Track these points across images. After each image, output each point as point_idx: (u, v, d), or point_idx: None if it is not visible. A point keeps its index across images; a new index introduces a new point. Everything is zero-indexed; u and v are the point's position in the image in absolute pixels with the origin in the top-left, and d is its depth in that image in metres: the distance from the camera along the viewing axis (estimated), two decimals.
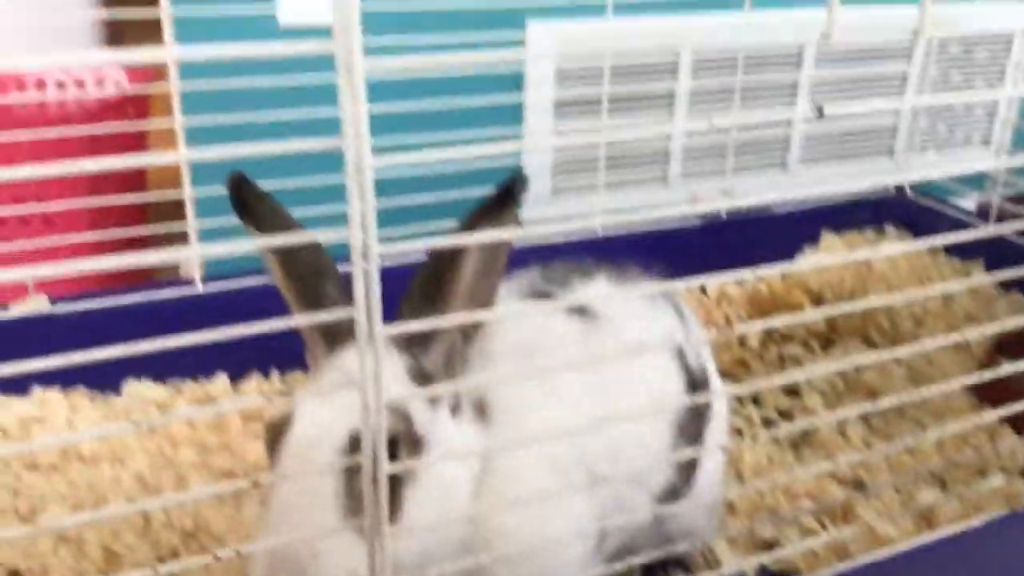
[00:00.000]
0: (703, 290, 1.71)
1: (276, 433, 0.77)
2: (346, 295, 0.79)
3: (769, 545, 1.22)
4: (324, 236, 0.65)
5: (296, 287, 0.85)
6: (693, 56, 1.94)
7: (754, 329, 1.55)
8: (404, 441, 0.74)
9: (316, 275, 0.85)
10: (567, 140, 1.80)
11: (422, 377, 0.79)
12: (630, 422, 0.91)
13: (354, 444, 0.71)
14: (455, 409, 0.82)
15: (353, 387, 0.68)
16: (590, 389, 0.90)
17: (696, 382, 1.04)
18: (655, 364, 1.00)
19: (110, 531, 1.16)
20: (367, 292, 0.62)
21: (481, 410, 0.85)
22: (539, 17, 1.84)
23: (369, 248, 0.61)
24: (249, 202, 0.86)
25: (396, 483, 0.73)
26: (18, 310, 1.38)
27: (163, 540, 1.15)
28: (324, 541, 0.72)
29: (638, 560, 0.89)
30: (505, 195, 0.77)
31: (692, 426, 1.00)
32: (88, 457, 1.30)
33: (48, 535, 1.17)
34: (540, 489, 0.84)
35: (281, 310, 1.38)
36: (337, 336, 0.82)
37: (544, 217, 1.85)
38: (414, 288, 0.81)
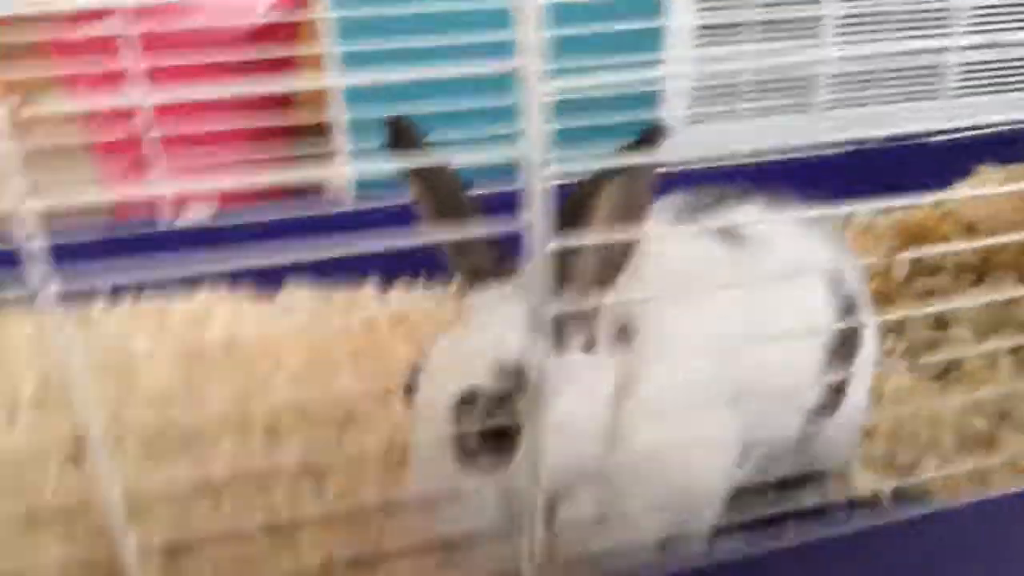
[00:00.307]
0: (848, 221, 1.67)
1: (413, 378, 0.83)
2: (488, 243, 0.86)
3: (907, 471, 1.21)
4: (497, 155, 0.66)
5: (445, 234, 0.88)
6: None
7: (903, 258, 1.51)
8: (516, 398, 0.76)
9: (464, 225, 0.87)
10: (711, 66, 1.78)
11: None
12: (781, 343, 0.91)
13: (467, 399, 0.77)
14: (589, 344, 0.84)
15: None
16: (740, 311, 0.91)
17: (849, 308, 1.04)
18: (807, 288, 1.01)
19: (272, 415, 1.25)
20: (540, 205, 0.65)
21: (624, 333, 0.87)
22: None
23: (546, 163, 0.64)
24: (407, 146, 0.87)
25: (517, 430, 0.77)
26: (186, 219, 1.48)
27: (319, 427, 1.23)
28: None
29: (778, 474, 0.90)
30: (644, 142, 0.77)
31: (843, 350, 1.01)
32: (249, 353, 1.39)
33: (215, 418, 1.27)
34: (681, 404, 0.86)
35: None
36: (477, 275, 0.86)
37: (685, 142, 1.84)
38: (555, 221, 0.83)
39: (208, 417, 1.27)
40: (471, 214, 0.87)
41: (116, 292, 1.48)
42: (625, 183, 0.78)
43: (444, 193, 0.87)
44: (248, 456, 1.20)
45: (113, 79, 1.51)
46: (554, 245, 0.68)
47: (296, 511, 1.12)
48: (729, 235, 0.97)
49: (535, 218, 0.66)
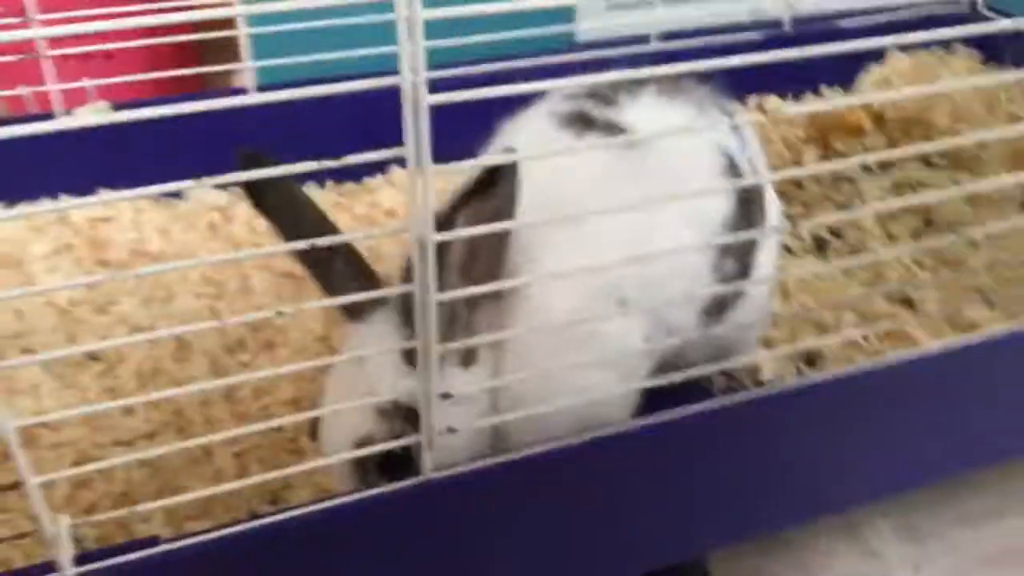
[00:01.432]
0: (761, 109, 1.67)
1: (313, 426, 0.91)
2: (356, 272, 0.88)
3: (810, 358, 1.25)
4: (374, 83, 0.64)
5: (311, 268, 0.89)
6: None
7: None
8: (403, 433, 0.82)
9: (329, 257, 0.88)
10: None
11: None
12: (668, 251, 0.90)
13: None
14: (468, 358, 0.86)
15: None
16: (627, 221, 0.88)
17: (749, 199, 1.02)
18: (700, 184, 0.99)
19: (180, 322, 1.23)
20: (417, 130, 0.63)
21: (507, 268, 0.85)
22: None
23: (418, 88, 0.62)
24: (260, 186, 0.88)
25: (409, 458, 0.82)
26: (83, 114, 1.41)
27: (230, 331, 1.22)
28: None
29: (684, 375, 0.91)
30: (491, 177, 0.77)
31: (741, 244, 1.00)
32: (156, 255, 1.36)
33: (122, 325, 1.24)
34: (553, 344, 0.87)
35: (333, 118, 1.41)
36: (353, 312, 0.88)
37: (599, 28, 1.80)
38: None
39: (116, 324, 1.24)
40: (338, 250, 0.88)
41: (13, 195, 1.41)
42: (471, 243, 0.79)
43: (308, 231, 0.85)
44: (157, 364, 1.18)
45: None
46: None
47: (208, 419, 1.11)
48: (617, 143, 0.94)
49: (410, 148, 0.64)
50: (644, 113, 1.00)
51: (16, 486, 0.68)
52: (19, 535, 0.75)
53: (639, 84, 1.03)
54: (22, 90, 1.35)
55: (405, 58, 0.61)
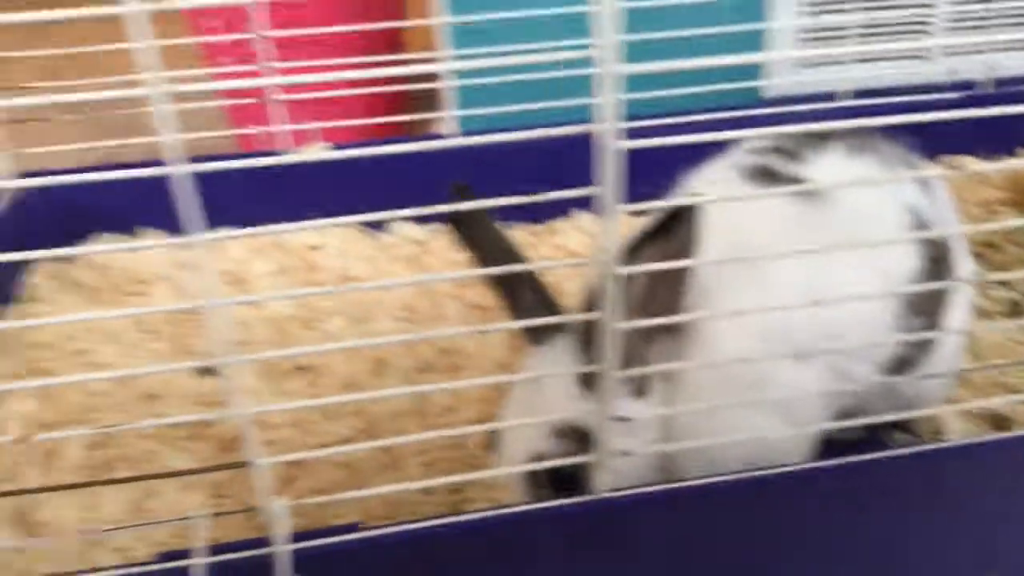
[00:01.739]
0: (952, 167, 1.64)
1: (492, 439, 0.98)
2: (542, 298, 0.96)
3: (999, 421, 1.21)
4: (575, 129, 0.71)
5: (501, 293, 0.98)
6: None
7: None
8: (576, 454, 0.87)
9: (519, 283, 0.97)
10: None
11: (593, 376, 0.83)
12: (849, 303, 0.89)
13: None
14: (640, 390, 0.91)
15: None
16: (807, 272, 0.90)
17: (940, 258, 1.01)
18: (885, 234, 0.99)
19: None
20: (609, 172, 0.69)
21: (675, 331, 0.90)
22: None
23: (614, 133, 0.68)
24: (463, 219, 0.99)
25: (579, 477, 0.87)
26: (308, 153, 1.57)
27: (421, 354, 1.32)
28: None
29: (859, 423, 0.92)
30: (675, 219, 0.81)
31: (928, 302, 0.99)
32: (360, 280, 1.49)
33: (328, 340, 1.37)
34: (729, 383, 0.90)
35: (526, 165, 1.51)
36: (537, 338, 0.96)
37: (788, 83, 1.82)
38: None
39: (322, 339, 1.37)
40: (527, 279, 0.96)
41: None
42: (653, 277, 0.83)
43: (502, 262, 0.96)
44: (356, 379, 1.29)
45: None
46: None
47: (400, 431, 1.21)
48: (800, 192, 0.96)
49: (603, 188, 0.70)
50: (830, 169, 1.01)
51: (243, 465, 0.78)
52: (241, 510, 0.86)
53: (826, 140, 1.04)
54: (257, 130, 1.52)
55: (606, 107, 0.67)
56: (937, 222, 1.05)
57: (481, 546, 0.86)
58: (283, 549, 0.79)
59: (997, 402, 1.16)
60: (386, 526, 0.82)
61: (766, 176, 1.01)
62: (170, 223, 0.63)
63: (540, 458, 0.88)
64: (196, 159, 1.47)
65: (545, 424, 0.89)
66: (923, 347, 1.02)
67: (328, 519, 1.07)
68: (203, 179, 0.66)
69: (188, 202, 0.64)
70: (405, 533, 0.81)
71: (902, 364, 1.00)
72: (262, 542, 0.80)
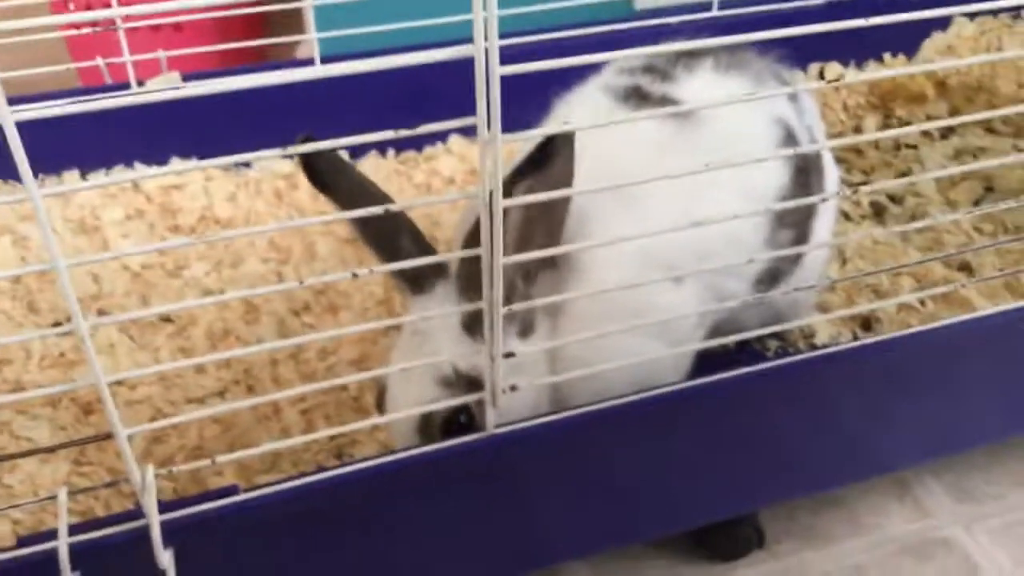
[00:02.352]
0: (821, 75, 1.66)
1: (380, 398, 0.91)
2: (418, 246, 0.89)
3: (867, 323, 1.26)
4: (446, 53, 0.65)
5: (374, 244, 0.91)
6: None
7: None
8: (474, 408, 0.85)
9: (393, 232, 0.90)
10: None
11: (477, 322, 0.82)
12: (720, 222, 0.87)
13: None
14: (526, 328, 0.88)
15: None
16: (680, 195, 0.90)
17: (806, 169, 1.03)
18: (756, 152, 0.97)
19: (248, 286, 1.28)
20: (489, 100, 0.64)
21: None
22: None
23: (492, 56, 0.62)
24: (319, 168, 0.91)
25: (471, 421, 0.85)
26: (155, 84, 1.45)
27: (296, 295, 1.26)
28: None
29: (737, 338, 0.93)
30: (548, 149, 0.78)
31: (796, 214, 1.01)
32: (225, 222, 1.41)
33: (193, 288, 1.29)
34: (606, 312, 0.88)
35: (396, 91, 1.44)
36: (415, 285, 0.90)
37: None
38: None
39: (187, 288, 1.30)
40: (400, 224, 0.90)
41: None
42: (527, 211, 0.80)
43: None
44: (227, 326, 1.23)
45: None
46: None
47: (276, 378, 1.16)
48: (672, 114, 0.95)
49: (481, 116, 0.65)
50: (700, 87, 1.01)
51: (106, 438, 0.72)
52: (106, 484, 0.80)
53: (696, 57, 1.03)
54: (99, 62, 1.39)
55: (479, 27, 0.62)
56: (805, 133, 1.06)
57: (368, 495, 0.83)
58: (155, 521, 0.74)
59: (863, 307, 1.20)
60: (266, 485, 0.78)
61: (638, 97, 1.00)
62: (10, 171, 0.55)
63: (430, 409, 0.85)
64: (35, 97, 1.35)
65: (432, 375, 0.86)
66: (792, 259, 1.04)
67: (205, 478, 1.02)
68: (43, 120, 0.58)
69: (20, 151, 0.56)
70: (287, 492, 0.77)
71: (773, 276, 1.02)
72: (133, 514, 0.75)
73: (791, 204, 0.94)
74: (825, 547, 1.06)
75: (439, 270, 0.89)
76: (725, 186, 0.93)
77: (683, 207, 0.89)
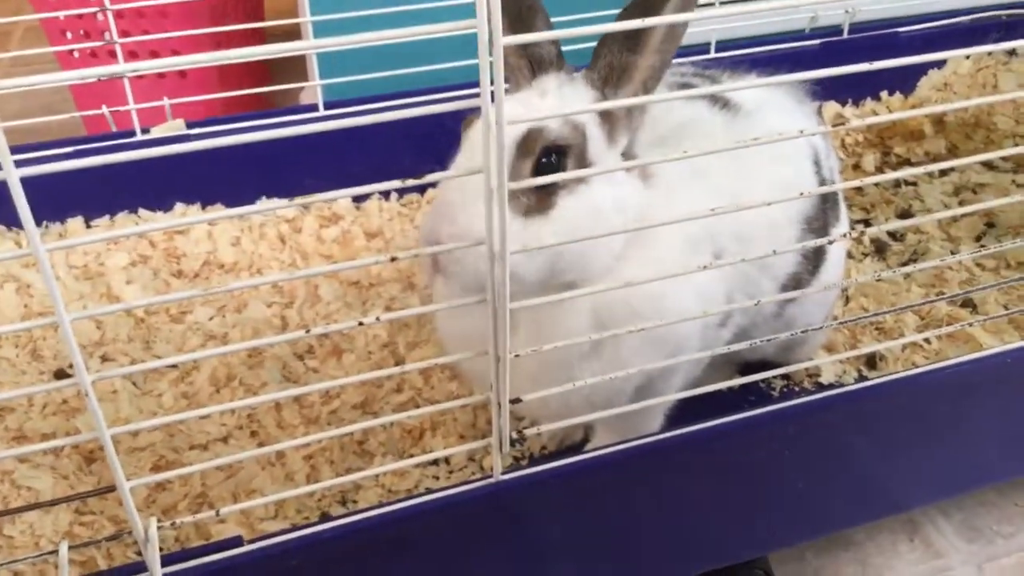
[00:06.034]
0: (819, 112, 1.67)
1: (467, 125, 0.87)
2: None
3: (871, 359, 1.25)
4: (455, 105, 0.65)
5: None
6: None
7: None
8: (573, 153, 0.83)
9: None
10: None
11: (605, 113, 0.86)
12: (764, 209, 0.87)
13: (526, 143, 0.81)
14: (629, 154, 0.90)
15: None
16: (730, 176, 0.95)
17: (828, 198, 1.07)
18: (794, 159, 1.05)
19: (252, 329, 1.28)
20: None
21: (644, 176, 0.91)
22: None
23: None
24: None
25: (554, 187, 0.82)
26: (161, 131, 1.46)
27: (299, 340, 1.26)
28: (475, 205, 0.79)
29: (748, 344, 0.92)
30: None
31: (819, 222, 1.04)
32: (228, 267, 1.41)
33: (196, 333, 1.29)
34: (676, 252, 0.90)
35: (397, 135, 1.45)
36: (541, 64, 0.92)
37: None
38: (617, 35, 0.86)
39: (190, 333, 1.30)
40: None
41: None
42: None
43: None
44: (230, 371, 1.23)
45: None
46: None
47: (280, 422, 1.15)
48: (723, 103, 1.02)
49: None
50: (748, 91, 1.07)
51: (109, 491, 0.72)
52: (108, 538, 0.79)
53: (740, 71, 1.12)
54: (104, 110, 1.41)
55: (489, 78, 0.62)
56: (826, 163, 1.11)
57: (373, 543, 0.82)
58: (159, 575, 0.73)
59: (869, 348, 1.20)
60: (270, 536, 0.78)
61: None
62: (14, 218, 0.55)
63: (538, 135, 0.82)
64: (39, 145, 1.35)
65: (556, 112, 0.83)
66: (813, 265, 1.06)
67: (208, 525, 1.01)
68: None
69: (25, 208, 0.56)
70: (291, 543, 0.77)
71: (796, 283, 1.04)
72: (135, 567, 0.75)
73: (823, 190, 1.04)
74: None
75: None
76: (766, 181, 0.97)
77: (734, 188, 0.93)
